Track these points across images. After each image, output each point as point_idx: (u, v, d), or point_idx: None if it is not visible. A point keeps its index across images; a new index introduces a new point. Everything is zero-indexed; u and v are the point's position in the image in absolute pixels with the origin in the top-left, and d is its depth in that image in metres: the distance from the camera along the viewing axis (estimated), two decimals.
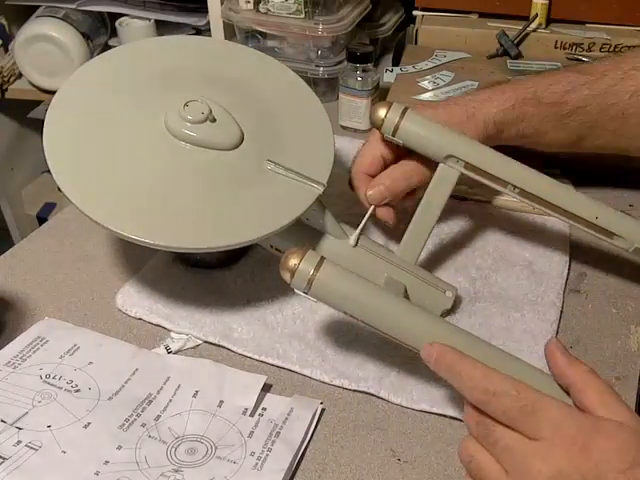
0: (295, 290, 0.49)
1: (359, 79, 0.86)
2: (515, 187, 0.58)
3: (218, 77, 0.65)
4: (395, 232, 0.68)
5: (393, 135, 0.59)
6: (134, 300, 0.62)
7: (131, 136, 0.58)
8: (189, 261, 0.66)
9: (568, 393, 0.43)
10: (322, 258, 0.48)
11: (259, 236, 0.55)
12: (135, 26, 1.21)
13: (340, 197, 0.74)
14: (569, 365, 0.43)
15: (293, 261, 0.48)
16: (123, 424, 0.50)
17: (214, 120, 0.58)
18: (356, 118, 0.88)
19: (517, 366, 0.46)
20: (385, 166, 0.62)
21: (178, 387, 0.53)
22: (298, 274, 0.48)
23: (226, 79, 0.65)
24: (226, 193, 0.57)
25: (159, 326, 0.60)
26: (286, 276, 0.48)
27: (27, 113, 1.40)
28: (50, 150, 0.57)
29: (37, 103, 1.34)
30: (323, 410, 0.52)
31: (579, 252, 0.67)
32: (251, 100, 0.64)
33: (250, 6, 0.95)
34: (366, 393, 0.54)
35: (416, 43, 1.00)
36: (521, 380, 0.42)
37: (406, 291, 0.58)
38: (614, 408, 0.40)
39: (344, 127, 0.89)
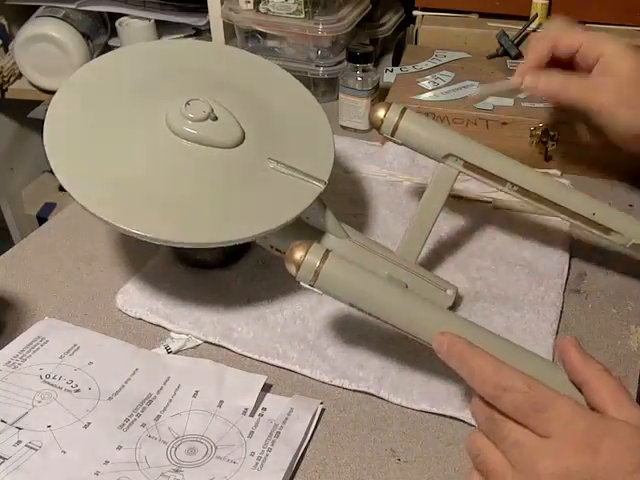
0: (301, 283, 0.49)
1: (359, 79, 0.86)
2: (514, 185, 0.58)
3: (217, 79, 0.65)
4: (396, 232, 0.68)
5: (392, 135, 0.59)
6: (134, 300, 0.62)
7: (132, 134, 0.58)
8: (189, 261, 0.66)
9: (580, 391, 0.43)
10: (327, 250, 0.48)
11: (260, 232, 0.55)
12: (135, 26, 1.21)
13: (340, 197, 0.74)
14: (583, 363, 0.43)
15: (299, 253, 0.48)
16: (123, 424, 0.50)
17: (215, 118, 0.58)
18: (356, 118, 0.88)
19: (527, 358, 0.45)
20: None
21: (178, 387, 0.53)
22: (304, 266, 0.48)
23: (225, 81, 0.65)
24: (227, 191, 0.57)
25: (159, 326, 0.60)
26: (292, 269, 0.48)
27: (27, 113, 1.40)
28: (51, 148, 0.57)
29: (37, 103, 1.34)
30: (323, 410, 0.52)
31: (579, 252, 0.67)
32: (251, 101, 0.64)
33: (250, 6, 0.95)
34: (366, 393, 0.54)
35: (416, 43, 1.00)
36: (531, 371, 0.42)
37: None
38: (625, 409, 0.40)
39: (344, 127, 0.89)
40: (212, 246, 0.56)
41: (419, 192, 0.76)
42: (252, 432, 0.50)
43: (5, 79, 1.30)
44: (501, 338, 0.47)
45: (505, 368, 0.41)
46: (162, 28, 1.23)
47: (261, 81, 0.67)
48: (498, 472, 0.41)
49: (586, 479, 0.38)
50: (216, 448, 0.49)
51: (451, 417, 0.52)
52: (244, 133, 0.59)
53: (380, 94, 0.89)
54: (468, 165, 0.58)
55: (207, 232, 0.54)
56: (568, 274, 0.65)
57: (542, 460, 0.39)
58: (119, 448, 0.48)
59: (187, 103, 0.57)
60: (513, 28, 0.95)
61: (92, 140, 0.58)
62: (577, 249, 0.68)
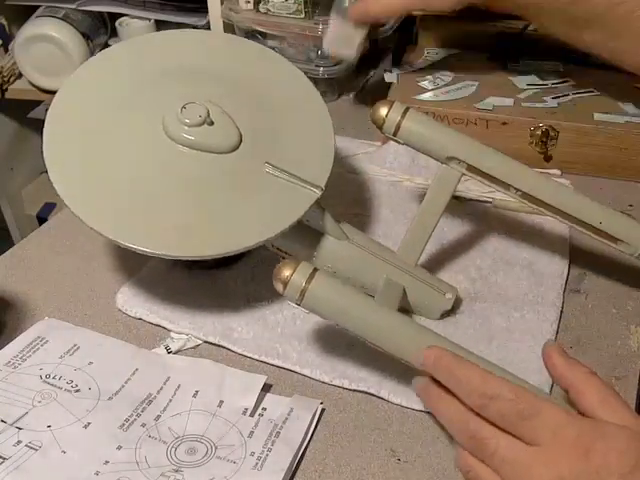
0: (288, 302, 0.49)
1: None
2: (518, 190, 0.58)
3: (219, 74, 0.64)
4: (396, 232, 0.68)
5: (394, 135, 0.58)
6: (134, 300, 0.62)
7: (130, 139, 0.58)
8: (189, 261, 0.66)
9: (569, 397, 0.43)
10: (315, 270, 0.49)
11: (257, 242, 0.55)
12: (135, 26, 1.21)
13: (340, 197, 0.74)
14: (568, 367, 0.43)
15: (286, 272, 0.48)
16: (123, 424, 0.50)
17: (212, 123, 0.58)
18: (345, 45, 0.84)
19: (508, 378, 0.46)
20: None
21: (178, 387, 0.53)
22: (290, 285, 0.48)
23: (227, 75, 0.65)
24: (224, 198, 0.56)
25: (159, 326, 0.60)
26: (279, 287, 0.49)
27: (27, 113, 1.40)
28: (49, 155, 0.57)
29: (37, 103, 1.34)
30: (323, 410, 0.52)
31: (579, 252, 0.67)
32: (252, 98, 0.63)
33: (250, 6, 0.95)
34: (366, 393, 0.54)
35: (416, 43, 1.00)
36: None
37: (405, 292, 0.58)
38: (615, 410, 0.40)
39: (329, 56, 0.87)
40: (210, 257, 0.56)
41: (420, 192, 0.76)
42: (252, 432, 0.50)
43: (5, 79, 1.30)
44: (484, 360, 0.47)
45: (491, 377, 0.42)
46: (162, 28, 1.23)
47: (263, 73, 0.66)
48: None
49: None
50: (216, 448, 0.49)
51: None
52: (241, 136, 0.59)
53: (380, 94, 0.89)
54: (471, 168, 0.58)
55: (203, 244, 0.54)
56: (568, 274, 0.65)
57: (535, 470, 0.39)
58: (119, 448, 0.48)
59: (183, 107, 0.57)
60: (513, 28, 0.95)
61: (90, 146, 0.57)
62: (577, 249, 0.68)
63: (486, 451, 0.41)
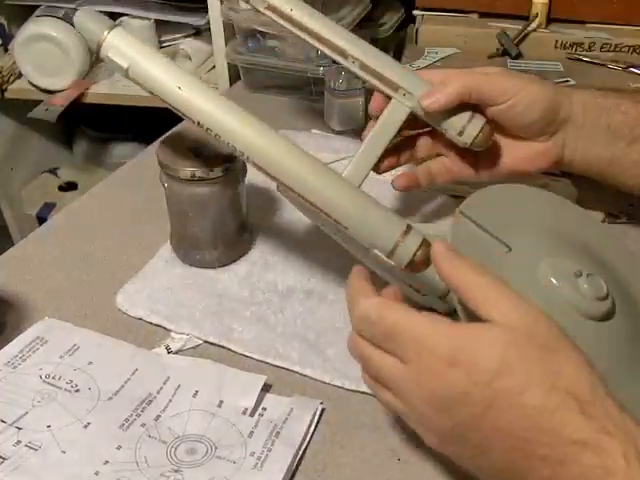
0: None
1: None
2: (355, 59, 0.62)
3: (578, 244, 0.53)
4: None
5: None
6: (134, 300, 0.62)
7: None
8: (189, 261, 0.66)
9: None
10: None
11: None
12: (135, 26, 1.21)
13: None
14: (453, 268, 0.40)
15: None
16: (123, 424, 0.50)
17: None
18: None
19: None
20: None
21: (178, 387, 0.53)
22: None
23: (598, 257, 0.53)
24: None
25: (159, 326, 0.60)
26: None
27: (27, 113, 1.40)
28: None
29: (37, 103, 1.34)
30: (323, 410, 0.53)
31: None
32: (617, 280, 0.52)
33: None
34: (366, 393, 0.54)
35: (416, 43, 1.00)
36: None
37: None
38: (497, 307, 0.37)
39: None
40: None
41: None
42: (252, 432, 0.50)
43: (5, 79, 1.30)
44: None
45: (360, 298, 0.42)
46: (162, 28, 1.23)
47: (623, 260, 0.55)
48: (388, 395, 0.42)
49: (451, 395, 0.37)
50: (216, 448, 0.49)
51: None
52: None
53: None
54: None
55: None
56: None
57: (409, 388, 0.39)
58: (119, 448, 0.48)
59: (578, 274, 0.47)
60: (513, 28, 0.95)
61: None
62: None
63: (371, 369, 0.42)
